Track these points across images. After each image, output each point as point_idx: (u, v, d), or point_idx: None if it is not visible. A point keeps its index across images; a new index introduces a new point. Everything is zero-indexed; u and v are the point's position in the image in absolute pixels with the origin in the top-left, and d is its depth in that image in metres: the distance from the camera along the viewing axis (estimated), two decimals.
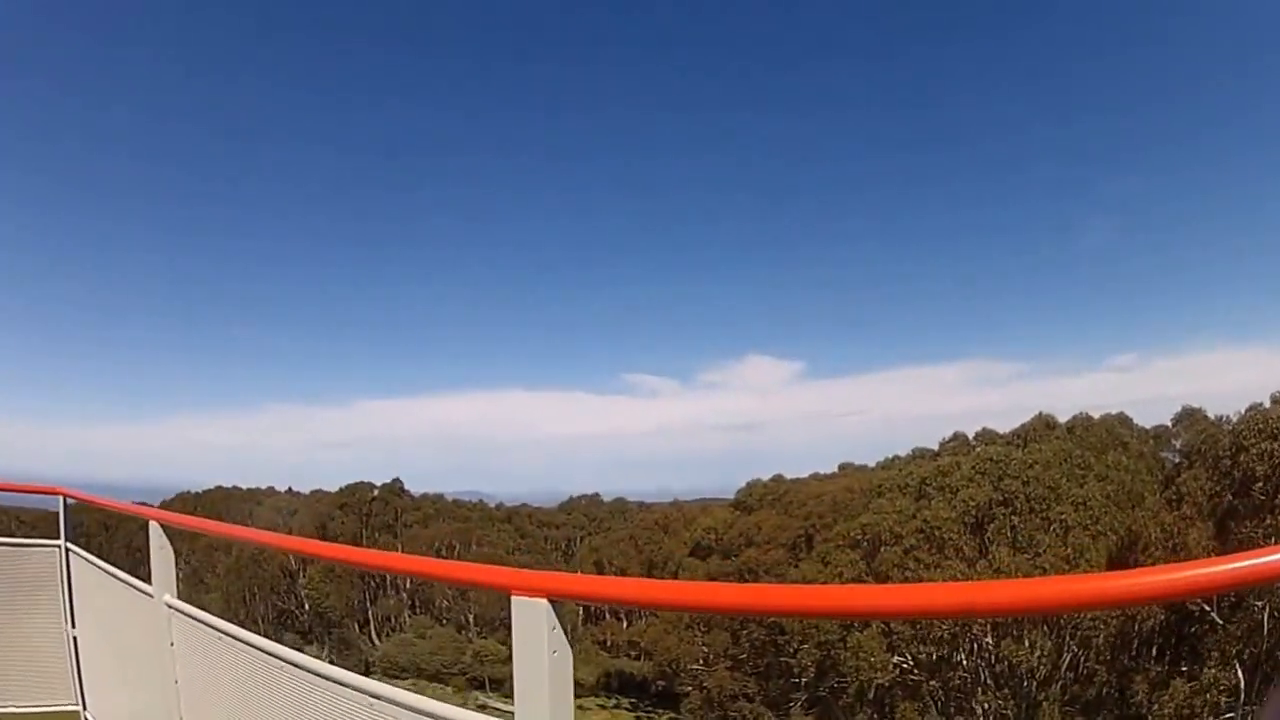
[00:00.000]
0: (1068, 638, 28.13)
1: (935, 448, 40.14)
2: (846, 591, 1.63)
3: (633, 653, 49.66)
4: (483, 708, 38.16)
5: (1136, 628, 27.83)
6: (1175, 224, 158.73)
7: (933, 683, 29.51)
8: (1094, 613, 25.25)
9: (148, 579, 3.50)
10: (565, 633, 1.71)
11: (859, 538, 32.17)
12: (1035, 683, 28.56)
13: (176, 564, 3.51)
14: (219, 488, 70.10)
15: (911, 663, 29.38)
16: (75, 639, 4.66)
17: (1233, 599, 23.31)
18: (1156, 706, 24.58)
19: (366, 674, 2.80)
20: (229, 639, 2.91)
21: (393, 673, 46.15)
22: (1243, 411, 30.26)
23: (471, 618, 52.91)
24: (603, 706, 46.30)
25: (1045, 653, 28.48)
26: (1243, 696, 22.63)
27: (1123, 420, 38.92)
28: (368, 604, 56.58)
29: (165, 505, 48.00)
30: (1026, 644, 28.15)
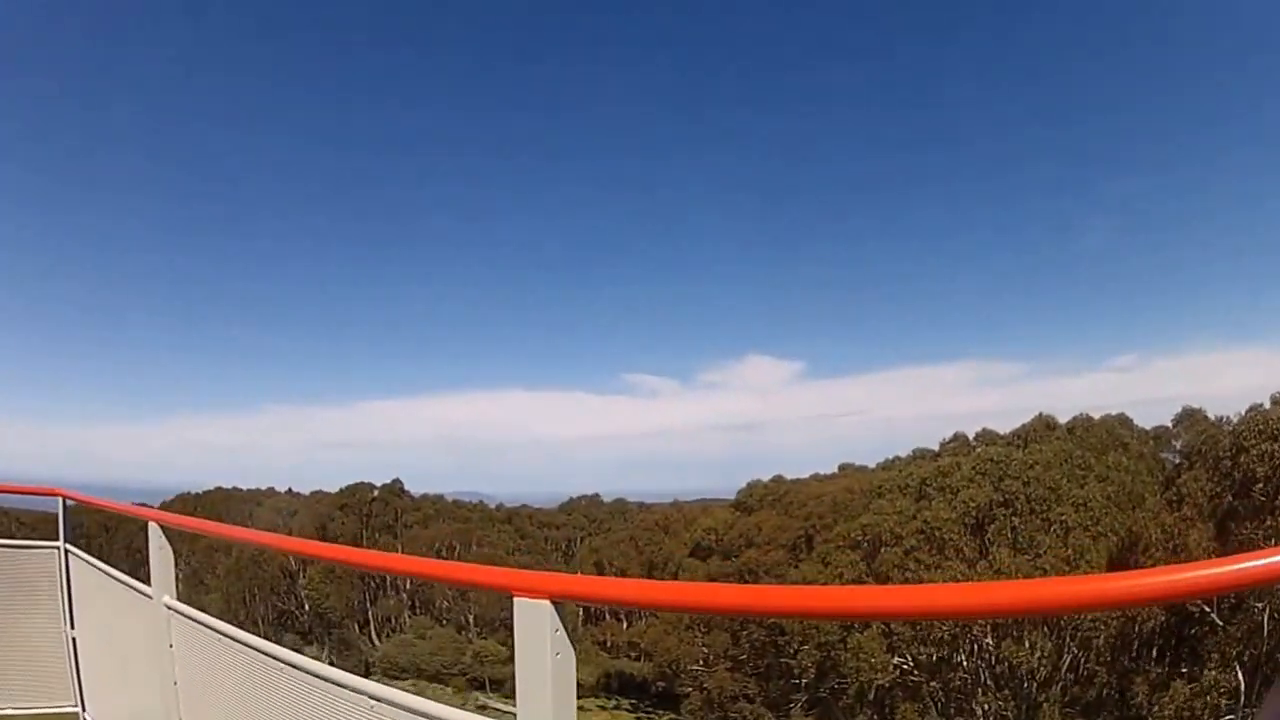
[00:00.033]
0: (1068, 639, 28.10)
1: (935, 448, 40.17)
2: (847, 592, 1.63)
3: (633, 653, 49.60)
4: (483, 708, 38.14)
5: (1137, 629, 27.80)
6: (1175, 224, 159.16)
7: (933, 684, 29.47)
8: (1094, 614, 25.19)
9: (147, 580, 3.50)
10: (568, 634, 1.70)
11: (859, 538, 32.16)
12: (1035, 684, 28.53)
13: (176, 565, 3.52)
14: (219, 488, 70.02)
15: (912, 664, 29.34)
16: (74, 640, 4.66)
17: (1233, 600, 23.27)
18: (1157, 708, 24.54)
19: (366, 674, 2.80)
20: (228, 640, 2.91)
21: (393, 673, 46.12)
22: (1243, 412, 30.29)
23: (471, 618, 52.86)
24: (603, 707, 46.21)
25: (1045, 654, 28.45)
26: (1242, 699, 22.61)
27: (1123, 421, 38.95)
28: (368, 604, 56.51)
29: (165, 506, 47.89)
30: (1027, 645, 28.12)
